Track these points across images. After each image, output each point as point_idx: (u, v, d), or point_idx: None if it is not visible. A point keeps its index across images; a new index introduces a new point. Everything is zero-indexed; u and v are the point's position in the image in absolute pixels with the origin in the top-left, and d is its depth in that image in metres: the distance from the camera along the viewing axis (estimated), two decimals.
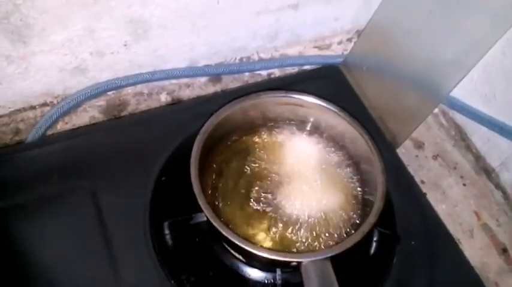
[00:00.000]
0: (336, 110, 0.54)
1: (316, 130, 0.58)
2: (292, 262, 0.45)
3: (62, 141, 0.62)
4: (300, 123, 0.58)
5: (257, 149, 0.56)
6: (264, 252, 0.44)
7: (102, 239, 0.53)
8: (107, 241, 0.53)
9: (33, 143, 0.62)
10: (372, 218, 0.46)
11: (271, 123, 0.58)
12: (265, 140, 0.57)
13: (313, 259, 0.44)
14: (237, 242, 0.44)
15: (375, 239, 0.54)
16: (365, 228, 0.46)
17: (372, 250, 0.54)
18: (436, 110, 0.76)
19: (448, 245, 0.57)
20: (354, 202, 0.53)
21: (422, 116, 0.70)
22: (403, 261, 0.55)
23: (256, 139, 0.57)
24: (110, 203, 0.55)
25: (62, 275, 0.52)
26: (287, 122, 0.58)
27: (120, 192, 0.56)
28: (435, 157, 0.73)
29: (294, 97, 0.55)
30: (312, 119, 0.57)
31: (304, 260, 0.44)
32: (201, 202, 0.46)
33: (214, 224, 0.45)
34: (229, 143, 0.56)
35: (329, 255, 0.44)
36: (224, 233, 0.44)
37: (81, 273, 0.52)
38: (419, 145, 0.74)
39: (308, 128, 0.58)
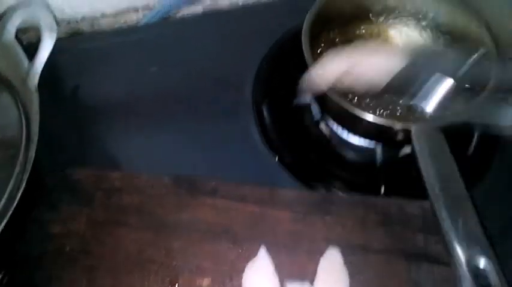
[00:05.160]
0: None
1: (428, 20, 0.57)
2: (401, 129, 0.45)
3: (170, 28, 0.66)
4: (411, 13, 0.57)
5: (363, 38, 0.56)
6: (373, 117, 0.44)
7: (205, 116, 0.56)
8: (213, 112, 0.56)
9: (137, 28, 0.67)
10: (486, 93, 0.45)
11: (379, 11, 0.57)
12: (373, 29, 0.57)
13: (424, 126, 0.44)
14: (346, 106, 0.45)
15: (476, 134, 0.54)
16: (479, 100, 0.45)
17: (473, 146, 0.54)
18: None
19: None
20: None
21: None
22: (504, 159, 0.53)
23: (364, 28, 0.57)
24: (216, 87, 0.58)
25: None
26: (397, 11, 0.57)
27: (225, 77, 0.59)
28: None
29: None
30: (423, 9, 0.56)
31: (415, 127, 0.44)
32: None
33: (327, 93, 0.45)
34: (335, 30, 0.57)
35: (441, 123, 0.44)
36: (333, 97, 0.45)
37: (185, 148, 0.55)
38: None
39: (419, 18, 0.57)
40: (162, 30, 0.67)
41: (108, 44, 0.65)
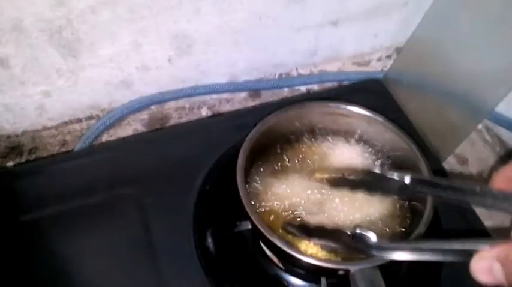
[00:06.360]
0: (381, 120, 0.54)
1: (361, 140, 0.58)
2: (340, 269, 0.44)
3: (107, 151, 0.63)
4: (344, 134, 0.58)
5: (301, 159, 0.56)
6: (312, 259, 0.43)
7: (147, 247, 0.54)
8: (151, 249, 0.54)
9: (79, 152, 0.64)
10: (421, 228, 0.45)
11: (316, 133, 0.58)
12: (310, 149, 0.57)
13: (362, 266, 0.43)
14: (284, 248, 0.43)
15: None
16: (415, 237, 0.44)
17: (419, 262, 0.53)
18: (480, 126, 0.74)
19: None
20: (400, 212, 0.52)
21: (466, 132, 0.69)
22: (451, 276, 0.53)
23: (301, 149, 0.57)
24: (155, 212, 0.56)
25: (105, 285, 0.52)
26: (332, 132, 0.58)
27: (165, 201, 0.57)
28: (480, 173, 0.71)
29: (340, 107, 0.55)
30: (357, 130, 0.57)
31: (353, 268, 0.43)
32: (248, 207, 0.46)
33: (262, 230, 0.44)
34: (273, 152, 0.56)
35: (378, 263, 0.43)
36: (270, 238, 0.44)
37: (125, 282, 0.52)
38: (463, 161, 0.72)
39: (353, 139, 0.58)
40: (105, 149, 0.66)
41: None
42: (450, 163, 0.71)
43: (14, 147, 0.67)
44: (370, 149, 0.57)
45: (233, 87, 0.74)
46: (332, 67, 0.79)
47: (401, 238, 0.50)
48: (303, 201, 0.51)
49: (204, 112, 0.74)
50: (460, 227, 0.57)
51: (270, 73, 0.76)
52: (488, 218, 0.64)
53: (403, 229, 0.51)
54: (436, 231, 0.54)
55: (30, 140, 0.68)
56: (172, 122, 0.72)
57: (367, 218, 0.51)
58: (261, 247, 0.52)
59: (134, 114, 0.70)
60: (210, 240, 0.54)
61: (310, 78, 0.77)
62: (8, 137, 0.67)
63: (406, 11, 0.73)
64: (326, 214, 0.51)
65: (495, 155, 0.73)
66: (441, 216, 0.56)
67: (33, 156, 0.67)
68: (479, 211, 0.61)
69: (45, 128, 0.68)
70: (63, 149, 0.68)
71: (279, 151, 0.57)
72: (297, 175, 0.53)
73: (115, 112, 0.68)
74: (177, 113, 0.73)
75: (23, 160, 0.66)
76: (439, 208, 0.54)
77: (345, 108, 0.55)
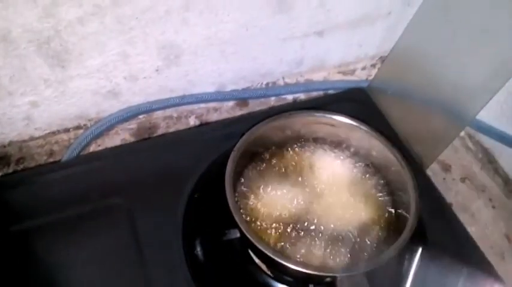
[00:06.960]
0: (366, 129, 0.55)
1: (347, 149, 0.59)
2: (327, 276, 0.45)
3: (95, 161, 0.63)
4: (330, 143, 0.59)
5: (288, 168, 0.57)
6: (299, 266, 0.44)
7: (136, 257, 0.54)
8: (141, 258, 0.54)
9: (67, 162, 0.64)
10: (406, 234, 0.46)
11: (302, 142, 0.59)
12: (297, 159, 0.58)
13: (348, 273, 0.44)
14: (272, 256, 0.44)
15: (407, 257, 0.54)
16: (400, 244, 0.46)
17: (404, 268, 0.54)
18: (462, 133, 0.76)
19: (482, 266, 0.56)
20: (385, 219, 0.53)
21: (448, 139, 0.71)
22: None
23: (288, 157, 0.58)
24: (144, 221, 0.56)
25: None
26: (318, 141, 0.59)
27: (154, 210, 0.57)
28: (463, 180, 0.73)
29: (326, 116, 0.56)
30: (342, 138, 0.58)
31: (340, 275, 0.44)
32: (236, 216, 0.46)
33: (250, 238, 0.45)
34: (261, 161, 0.57)
35: (365, 270, 0.44)
36: (259, 246, 0.45)
37: None
38: (446, 168, 0.74)
39: (338, 147, 0.59)
40: (93, 158, 0.66)
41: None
42: (434, 170, 0.73)
43: (1, 157, 0.67)
44: (355, 157, 0.58)
45: (220, 96, 0.74)
46: (318, 76, 0.80)
47: (385, 244, 0.51)
48: (291, 209, 0.52)
49: (192, 121, 0.74)
50: (444, 235, 0.58)
51: (257, 82, 0.77)
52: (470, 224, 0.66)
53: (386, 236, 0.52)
54: (421, 240, 0.55)
55: (17, 151, 0.68)
56: (160, 131, 0.72)
57: (352, 224, 0.52)
58: (250, 255, 0.53)
59: (122, 123, 0.71)
60: (199, 248, 0.54)
61: (296, 87, 0.78)
62: None
63: (389, 21, 0.74)
64: (315, 221, 0.52)
65: (477, 162, 0.75)
66: (426, 225, 0.56)
67: (21, 166, 0.67)
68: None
69: (32, 138, 0.68)
70: (51, 159, 0.68)
71: (266, 159, 0.57)
72: (284, 183, 0.54)
73: (103, 122, 0.68)
74: (165, 123, 0.73)
75: (10, 170, 0.66)
76: (424, 217, 0.55)
77: (330, 118, 0.56)
